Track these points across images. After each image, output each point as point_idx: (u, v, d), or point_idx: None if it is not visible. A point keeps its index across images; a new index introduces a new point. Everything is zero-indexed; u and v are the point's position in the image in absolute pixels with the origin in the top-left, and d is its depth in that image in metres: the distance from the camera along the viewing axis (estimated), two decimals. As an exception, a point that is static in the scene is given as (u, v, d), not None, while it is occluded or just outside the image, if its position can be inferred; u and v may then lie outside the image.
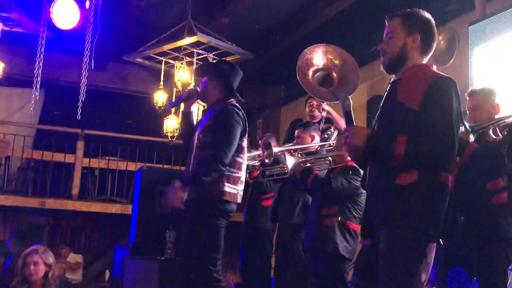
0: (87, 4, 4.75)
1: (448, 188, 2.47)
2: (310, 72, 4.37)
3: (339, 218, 4.12)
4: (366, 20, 6.97)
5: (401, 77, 2.59)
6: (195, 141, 3.73)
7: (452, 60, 6.21)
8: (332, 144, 4.85)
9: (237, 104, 3.76)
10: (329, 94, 4.41)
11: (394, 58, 2.60)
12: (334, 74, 4.36)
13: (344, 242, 4.09)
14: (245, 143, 3.73)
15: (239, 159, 3.69)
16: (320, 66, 4.27)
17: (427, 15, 2.65)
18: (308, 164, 4.34)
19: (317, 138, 4.94)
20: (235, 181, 3.65)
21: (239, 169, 3.69)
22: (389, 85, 2.67)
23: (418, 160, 2.39)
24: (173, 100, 7.02)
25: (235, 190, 3.65)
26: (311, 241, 4.19)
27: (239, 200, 3.70)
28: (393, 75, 2.69)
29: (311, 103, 5.38)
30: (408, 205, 2.37)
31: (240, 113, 3.69)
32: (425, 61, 2.64)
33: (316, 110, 5.37)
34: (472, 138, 3.35)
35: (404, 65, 2.60)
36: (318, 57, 4.35)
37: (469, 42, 5.56)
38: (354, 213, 4.16)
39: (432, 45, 2.65)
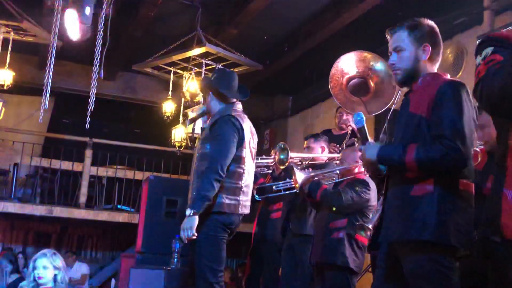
0: (87, 10, 4.76)
1: (471, 196, 2.39)
2: (345, 80, 4.34)
3: (349, 231, 4.11)
4: (375, 32, 6.97)
5: (414, 87, 2.56)
6: (196, 153, 3.81)
7: (459, 74, 6.20)
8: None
9: (234, 114, 3.76)
10: (360, 106, 4.38)
11: (408, 73, 2.55)
12: (371, 83, 4.31)
13: (353, 256, 4.07)
14: (244, 153, 3.73)
15: (239, 169, 3.69)
16: (357, 73, 4.24)
17: (431, 22, 2.60)
18: (316, 178, 4.33)
19: (327, 150, 4.94)
20: (235, 192, 3.66)
21: (239, 179, 3.70)
22: (403, 98, 2.64)
23: (431, 168, 2.34)
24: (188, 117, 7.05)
25: (235, 201, 3.65)
26: (320, 254, 4.16)
27: (241, 211, 3.70)
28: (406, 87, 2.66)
29: (341, 113, 5.37)
30: (425, 217, 2.30)
31: (237, 122, 3.70)
32: (436, 68, 2.60)
33: (344, 124, 5.35)
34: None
35: (418, 77, 2.55)
36: (354, 64, 4.32)
37: (478, 56, 5.56)
38: (363, 224, 4.14)
39: (440, 51, 2.61)
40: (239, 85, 3.98)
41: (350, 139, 5.21)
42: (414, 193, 2.36)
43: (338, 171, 4.36)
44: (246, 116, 3.90)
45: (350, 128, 5.25)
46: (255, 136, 3.96)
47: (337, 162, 4.87)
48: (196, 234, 3.50)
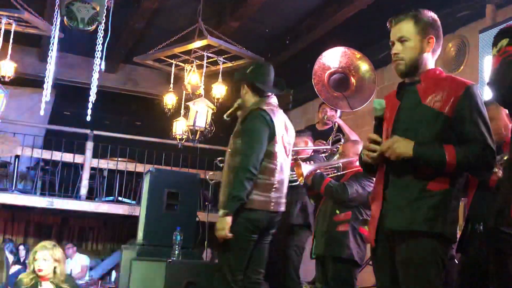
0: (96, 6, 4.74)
1: None
2: (326, 75, 4.35)
3: (353, 224, 4.10)
4: (375, 26, 6.94)
5: (421, 79, 2.56)
6: (228, 148, 3.69)
7: (461, 68, 6.19)
8: (328, 151, 4.87)
9: (265, 108, 3.62)
10: (342, 101, 4.41)
11: (411, 63, 2.56)
12: (352, 79, 4.33)
13: (357, 248, 4.07)
14: (276, 148, 3.59)
15: (270, 165, 3.56)
16: (338, 68, 4.26)
17: (434, 14, 2.61)
18: (319, 171, 4.33)
19: (310, 143, 4.97)
20: (266, 188, 3.53)
21: (271, 175, 3.56)
22: (405, 87, 2.63)
23: (467, 169, 2.46)
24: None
25: (266, 197, 3.53)
26: (323, 247, 4.15)
27: (273, 208, 3.56)
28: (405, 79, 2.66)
29: (324, 109, 5.37)
30: (438, 212, 2.40)
31: (267, 116, 3.56)
32: (434, 61, 2.63)
33: (328, 120, 5.36)
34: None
35: (420, 68, 2.57)
36: (336, 59, 4.34)
37: (479, 50, 5.55)
38: (367, 219, 4.13)
39: (441, 45, 2.63)
40: (275, 78, 3.87)
41: (336, 135, 5.21)
42: (431, 187, 2.42)
43: (340, 164, 4.36)
44: (281, 110, 3.77)
45: (336, 124, 5.25)
46: (290, 131, 3.83)
47: (325, 155, 4.91)
48: (229, 235, 3.41)
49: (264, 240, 3.66)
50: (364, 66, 4.35)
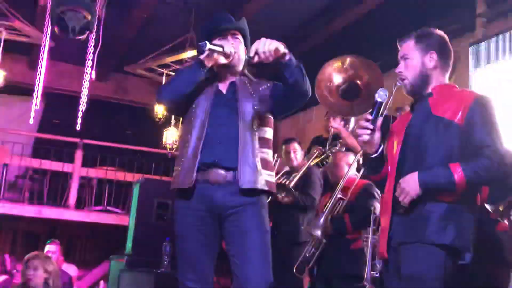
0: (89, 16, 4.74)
1: (480, 214, 2.44)
2: (332, 85, 4.31)
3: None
4: (371, 35, 7.00)
5: (433, 93, 2.53)
6: None
7: (451, 81, 6.21)
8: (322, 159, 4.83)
9: None
10: (347, 109, 4.37)
11: (415, 81, 2.55)
12: (359, 83, 4.28)
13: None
14: None
15: None
16: (346, 78, 4.22)
17: (440, 32, 2.62)
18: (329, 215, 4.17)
19: (299, 151, 4.95)
20: None
21: None
22: (417, 101, 2.60)
23: (480, 184, 2.40)
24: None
25: None
26: (341, 266, 4.07)
27: None
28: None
29: (328, 117, 5.35)
30: (448, 223, 2.32)
31: None
32: (446, 78, 2.60)
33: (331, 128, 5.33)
34: None
35: (428, 85, 2.55)
36: (342, 69, 4.30)
37: (470, 63, 5.58)
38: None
39: (449, 62, 2.61)
40: None
41: (333, 142, 5.19)
42: (441, 197, 2.35)
43: (339, 195, 4.25)
44: None
45: (332, 130, 5.21)
46: None
47: (327, 160, 4.85)
48: None
49: None
50: (374, 73, 4.30)
